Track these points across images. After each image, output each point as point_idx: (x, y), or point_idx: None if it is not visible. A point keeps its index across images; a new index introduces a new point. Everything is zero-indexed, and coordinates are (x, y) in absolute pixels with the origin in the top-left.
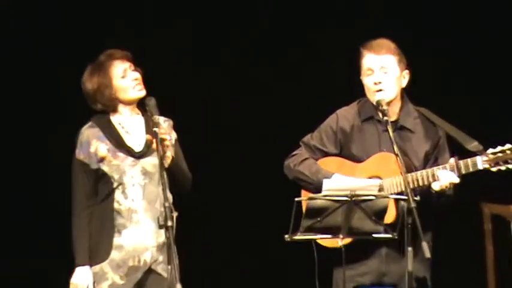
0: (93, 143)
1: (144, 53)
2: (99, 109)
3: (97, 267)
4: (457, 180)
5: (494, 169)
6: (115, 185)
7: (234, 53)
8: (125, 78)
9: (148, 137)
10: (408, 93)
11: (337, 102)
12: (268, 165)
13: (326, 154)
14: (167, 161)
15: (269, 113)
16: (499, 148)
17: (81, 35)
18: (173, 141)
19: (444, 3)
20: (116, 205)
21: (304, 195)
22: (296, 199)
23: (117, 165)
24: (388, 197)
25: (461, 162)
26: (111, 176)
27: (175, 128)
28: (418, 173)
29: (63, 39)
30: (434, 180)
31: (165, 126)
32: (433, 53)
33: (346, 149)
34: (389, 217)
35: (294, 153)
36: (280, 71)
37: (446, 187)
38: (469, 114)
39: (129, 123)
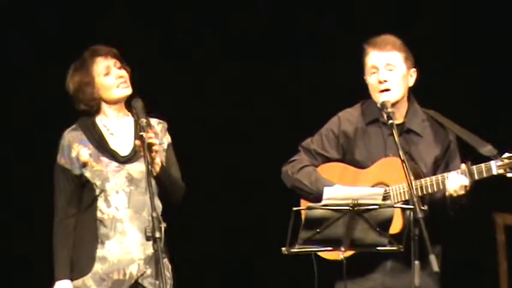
0: (74, 147)
1: (135, 52)
2: (82, 110)
3: (79, 281)
4: (467, 183)
5: (509, 175)
6: (97, 192)
7: (234, 54)
8: (109, 76)
9: (138, 142)
10: (415, 94)
11: (339, 104)
12: (265, 171)
13: (327, 159)
14: (156, 168)
15: (268, 116)
16: None
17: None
18: (165, 146)
19: None
20: (98, 214)
21: (304, 204)
22: (294, 208)
23: (100, 171)
24: (393, 207)
25: (474, 167)
26: (93, 183)
27: (170, 131)
28: (428, 179)
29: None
30: (444, 187)
31: (158, 129)
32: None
33: (349, 154)
34: (395, 227)
35: (293, 158)
36: (280, 71)
37: (457, 194)
38: (480, 117)
39: (116, 126)
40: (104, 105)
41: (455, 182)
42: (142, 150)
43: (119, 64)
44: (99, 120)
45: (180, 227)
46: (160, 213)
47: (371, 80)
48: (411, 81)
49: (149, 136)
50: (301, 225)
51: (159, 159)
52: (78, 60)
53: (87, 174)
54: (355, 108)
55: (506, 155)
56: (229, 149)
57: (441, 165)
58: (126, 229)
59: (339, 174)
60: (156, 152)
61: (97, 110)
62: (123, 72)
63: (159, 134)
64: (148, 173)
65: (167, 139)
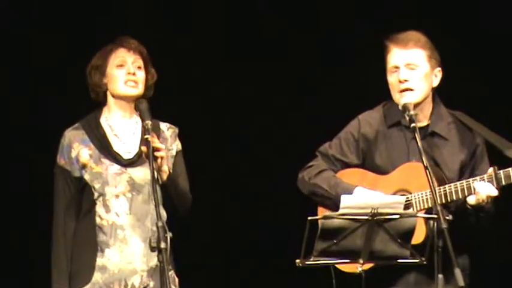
0: (74, 147)
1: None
2: (93, 98)
3: None
4: (495, 192)
5: None
6: (96, 195)
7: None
8: (121, 69)
9: (144, 148)
10: (441, 95)
11: (359, 106)
12: (281, 179)
13: (346, 165)
14: (162, 176)
15: (282, 120)
16: None
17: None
18: (173, 153)
19: None
20: (97, 220)
21: (321, 213)
22: (309, 218)
23: (99, 173)
24: (415, 216)
25: (501, 172)
26: (92, 186)
27: (182, 137)
28: (452, 185)
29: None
30: (470, 194)
31: (168, 134)
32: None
33: (370, 159)
34: (418, 237)
35: (310, 164)
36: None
37: (483, 201)
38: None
39: (121, 126)
40: (110, 99)
41: (482, 188)
42: (147, 155)
43: (140, 63)
44: (104, 119)
45: (186, 237)
46: (165, 223)
47: (391, 79)
48: (436, 82)
49: (155, 141)
50: (317, 236)
51: (166, 167)
52: (107, 44)
53: (86, 176)
54: (377, 110)
55: None
56: (236, 159)
57: (467, 170)
58: (127, 237)
59: (357, 181)
60: (162, 158)
61: (104, 101)
62: (139, 73)
63: (168, 139)
64: (154, 179)
65: (177, 146)
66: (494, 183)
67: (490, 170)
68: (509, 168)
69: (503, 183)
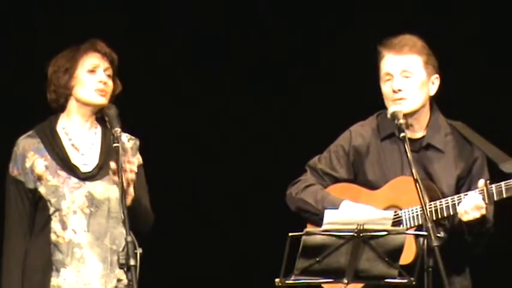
0: (29, 156)
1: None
2: (52, 99)
3: None
4: (483, 204)
5: None
6: (51, 211)
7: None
8: (92, 75)
9: (113, 166)
10: (439, 104)
11: (358, 105)
12: (267, 193)
13: (336, 180)
14: (127, 199)
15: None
16: None
17: None
18: (135, 168)
19: None
20: (53, 237)
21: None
22: (290, 234)
23: (55, 186)
24: (404, 233)
25: (493, 186)
26: (47, 200)
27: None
28: (443, 201)
29: None
30: (455, 212)
31: (129, 146)
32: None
33: (361, 174)
34: (407, 257)
35: (298, 179)
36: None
37: (475, 217)
38: None
39: (80, 136)
40: (72, 104)
41: (468, 202)
42: (115, 164)
43: (110, 72)
44: (61, 128)
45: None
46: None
47: (385, 88)
48: (433, 90)
49: (130, 161)
50: (299, 253)
51: (132, 189)
52: (74, 44)
53: (41, 189)
54: (370, 120)
55: None
56: (211, 169)
57: (464, 185)
58: (84, 256)
59: (346, 196)
60: (132, 180)
61: (64, 105)
62: (109, 82)
63: (129, 151)
64: (122, 190)
65: (138, 159)
66: (486, 198)
67: (481, 183)
68: (503, 182)
69: (496, 198)
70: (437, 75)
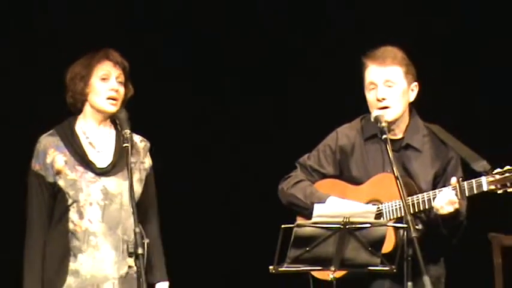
0: (50, 153)
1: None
2: (70, 103)
3: None
4: (455, 199)
5: (500, 191)
6: (69, 202)
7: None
8: (104, 83)
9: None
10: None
11: (335, 120)
12: (260, 188)
13: (324, 176)
14: None
15: (263, 129)
16: (507, 167)
17: None
18: (146, 166)
19: None
20: (70, 225)
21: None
22: (283, 226)
23: (73, 180)
24: (386, 225)
25: (465, 183)
26: (66, 192)
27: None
28: (420, 196)
29: None
30: (431, 206)
31: (141, 147)
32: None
33: (346, 171)
34: (388, 246)
35: (288, 175)
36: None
37: (446, 211)
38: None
39: (97, 136)
40: (88, 108)
41: (442, 197)
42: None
43: (122, 79)
44: (79, 127)
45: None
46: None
47: (369, 96)
48: (412, 96)
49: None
50: (290, 243)
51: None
52: (90, 53)
53: (61, 182)
54: (355, 123)
55: (498, 170)
56: (213, 168)
57: (440, 182)
58: (99, 243)
59: (333, 191)
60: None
61: (81, 109)
62: (120, 90)
63: (141, 151)
64: (131, 187)
65: (149, 160)
66: (459, 194)
67: (454, 180)
68: (473, 180)
69: (467, 193)
70: (416, 83)
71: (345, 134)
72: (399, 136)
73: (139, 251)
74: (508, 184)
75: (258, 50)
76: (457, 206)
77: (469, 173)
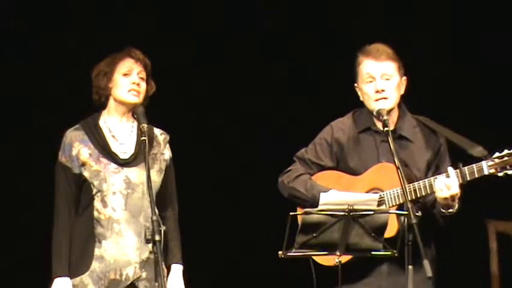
0: (75, 146)
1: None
2: (95, 99)
3: (77, 279)
4: (452, 183)
5: (500, 174)
6: (94, 191)
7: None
8: (126, 77)
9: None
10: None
11: (330, 114)
12: (262, 182)
13: (322, 168)
14: None
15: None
16: (506, 151)
17: None
18: (166, 157)
19: None
20: (95, 213)
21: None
22: (291, 213)
23: (98, 171)
24: (387, 213)
25: (466, 168)
26: (91, 183)
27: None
28: (421, 182)
29: None
30: (433, 190)
31: (161, 139)
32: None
33: (343, 162)
34: (391, 231)
35: (288, 169)
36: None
37: (447, 196)
38: (469, 117)
39: (119, 129)
40: (111, 103)
41: (442, 182)
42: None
43: (143, 75)
44: (103, 121)
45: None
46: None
47: (367, 88)
48: (402, 89)
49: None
50: (298, 230)
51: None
52: (115, 52)
53: (86, 173)
54: (347, 117)
55: (497, 154)
56: (224, 164)
57: (432, 168)
58: (122, 230)
59: (333, 182)
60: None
61: (105, 103)
62: (142, 84)
63: (161, 143)
64: (149, 177)
65: (168, 152)
66: (460, 179)
67: (450, 168)
68: (474, 165)
69: (469, 178)
70: (405, 77)
71: (339, 127)
72: (391, 128)
73: (157, 237)
74: (508, 167)
75: None
76: (453, 191)
77: (457, 158)
